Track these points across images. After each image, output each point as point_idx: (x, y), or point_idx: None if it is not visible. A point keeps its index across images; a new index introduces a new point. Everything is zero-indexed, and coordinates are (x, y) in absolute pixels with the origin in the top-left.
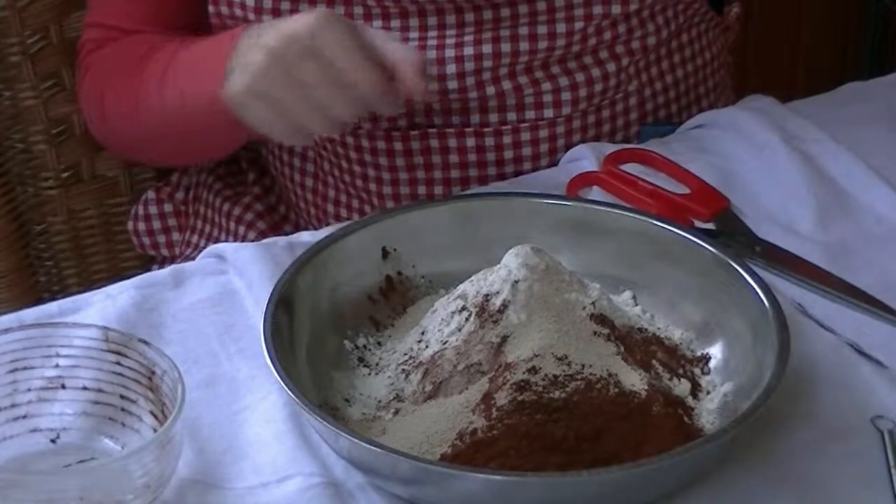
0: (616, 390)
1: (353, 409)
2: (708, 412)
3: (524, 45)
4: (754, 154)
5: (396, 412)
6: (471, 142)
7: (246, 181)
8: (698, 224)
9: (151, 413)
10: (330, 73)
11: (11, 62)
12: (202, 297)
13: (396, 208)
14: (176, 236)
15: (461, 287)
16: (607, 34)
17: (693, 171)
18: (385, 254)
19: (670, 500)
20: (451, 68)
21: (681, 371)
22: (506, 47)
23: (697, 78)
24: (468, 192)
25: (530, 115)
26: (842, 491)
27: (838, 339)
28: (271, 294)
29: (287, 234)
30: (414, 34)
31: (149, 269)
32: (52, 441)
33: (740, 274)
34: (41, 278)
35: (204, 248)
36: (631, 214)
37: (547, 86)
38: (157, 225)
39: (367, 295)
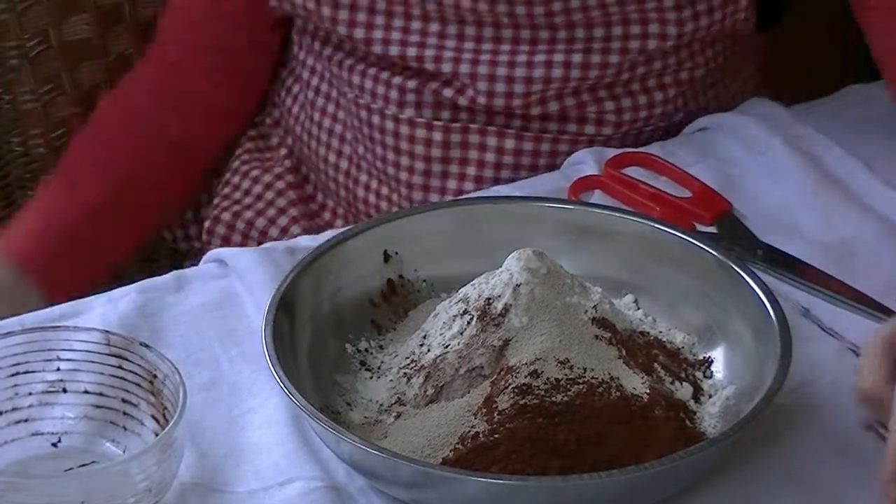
0: (618, 394)
1: (354, 413)
2: (710, 416)
3: (575, 73)
4: (756, 157)
5: (398, 416)
6: (510, 143)
7: (281, 164)
8: (700, 227)
9: (153, 417)
10: None
11: (11, 65)
12: (204, 301)
13: (397, 212)
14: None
15: (463, 290)
16: (657, 64)
17: (695, 174)
18: (386, 257)
19: None
20: (500, 86)
21: (683, 374)
22: (557, 72)
23: (734, 103)
24: (470, 195)
25: (572, 128)
26: (844, 495)
27: (841, 342)
28: (272, 297)
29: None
30: (469, 44)
31: (151, 273)
32: (54, 445)
33: (742, 277)
34: None
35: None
36: (632, 218)
37: (592, 108)
38: None
39: (368, 298)
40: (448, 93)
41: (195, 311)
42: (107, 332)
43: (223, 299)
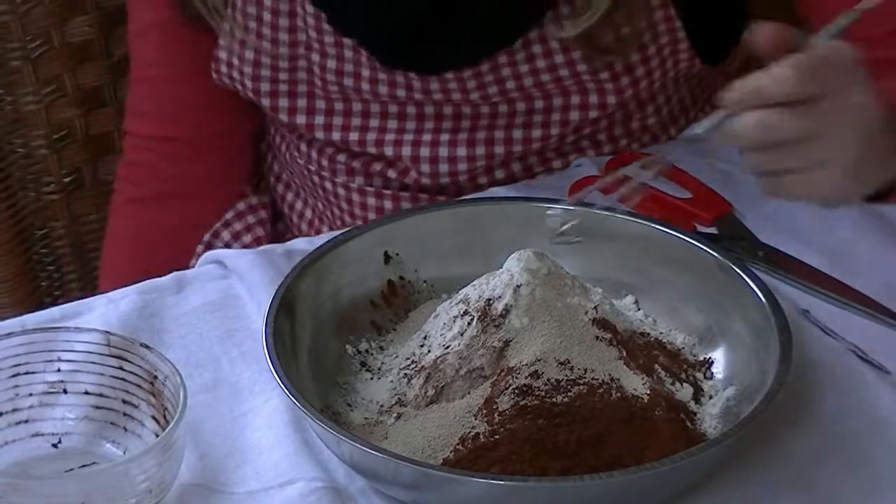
0: (618, 395)
1: (354, 414)
2: (710, 417)
3: (517, 147)
4: None
5: (398, 417)
6: None
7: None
8: (700, 228)
9: (153, 418)
10: None
11: (13, 67)
12: (204, 302)
13: (398, 213)
14: None
15: (463, 291)
16: (603, 122)
17: (695, 175)
18: (387, 258)
19: None
20: (443, 167)
21: (683, 375)
22: (499, 149)
23: None
24: (470, 196)
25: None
26: (844, 495)
27: (841, 344)
28: (273, 298)
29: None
30: (411, 125)
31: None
32: (54, 446)
33: (742, 278)
34: (43, 283)
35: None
36: (633, 219)
37: (540, 169)
38: None
39: (369, 299)
40: (392, 174)
41: (196, 312)
42: (107, 333)
43: (223, 300)
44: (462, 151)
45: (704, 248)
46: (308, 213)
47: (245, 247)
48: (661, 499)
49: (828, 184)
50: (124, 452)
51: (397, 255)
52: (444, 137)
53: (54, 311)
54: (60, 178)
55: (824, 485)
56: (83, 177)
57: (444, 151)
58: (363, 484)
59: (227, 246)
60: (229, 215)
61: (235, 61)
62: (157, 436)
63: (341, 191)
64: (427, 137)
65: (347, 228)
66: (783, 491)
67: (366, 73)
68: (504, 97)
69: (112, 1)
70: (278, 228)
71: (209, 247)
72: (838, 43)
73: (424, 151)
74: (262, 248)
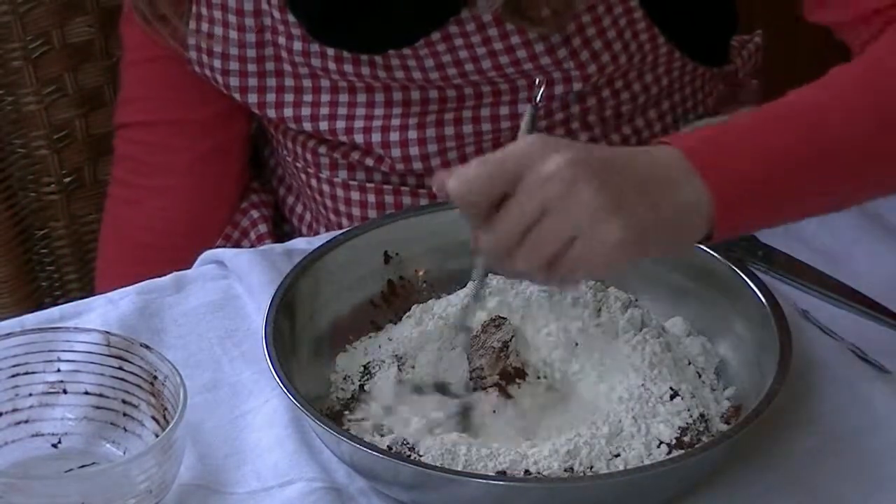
0: None
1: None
2: (711, 417)
3: (486, 126)
4: None
5: None
6: None
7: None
8: None
9: (153, 418)
10: None
11: (13, 67)
12: (204, 302)
13: (398, 213)
14: None
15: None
16: (575, 108)
17: None
18: (387, 258)
19: None
20: (413, 150)
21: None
22: (467, 128)
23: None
24: None
25: None
26: (844, 495)
27: (840, 343)
28: (273, 298)
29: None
30: (379, 111)
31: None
32: (54, 446)
33: (742, 278)
34: (43, 283)
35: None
36: None
37: None
38: None
39: (368, 299)
40: (370, 161)
41: (195, 312)
42: (107, 333)
43: (223, 300)
44: (431, 132)
45: (704, 248)
46: (308, 217)
47: (250, 244)
48: (662, 498)
49: (602, 248)
50: (124, 452)
51: (397, 255)
52: (413, 121)
53: (54, 311)
54: (60, 178)
55: (824, 485)
56: (83, 177)
57: (413, 134)
58: (363, 484)
59: (236, 244)
60: (229, 212)
61: (205, 57)
62: (157, 436)
63: (326, 187)
64: (396, 122)
65: (346, 228)
66: (783, 491)
67: (331, 51)
68: (464, 80)
69: (112, 1)
70: (284, 230)
71: (206, 245)
72: (528, 138)
73: (394, 136)
74: (261, 248)
